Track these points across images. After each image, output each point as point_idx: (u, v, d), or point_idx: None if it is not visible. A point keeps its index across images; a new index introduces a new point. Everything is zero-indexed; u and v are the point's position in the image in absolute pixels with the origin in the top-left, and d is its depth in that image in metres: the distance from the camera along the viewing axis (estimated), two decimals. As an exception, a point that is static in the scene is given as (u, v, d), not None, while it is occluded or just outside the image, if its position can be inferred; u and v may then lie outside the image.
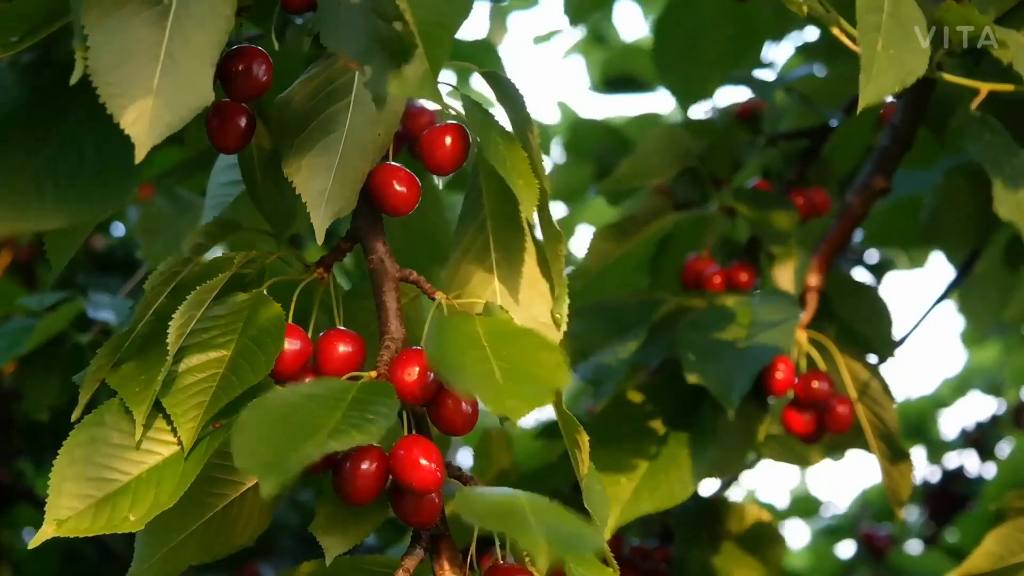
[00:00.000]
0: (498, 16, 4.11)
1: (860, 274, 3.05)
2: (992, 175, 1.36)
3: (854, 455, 1.92)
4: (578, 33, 3.60)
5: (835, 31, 1.31)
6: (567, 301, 1.10)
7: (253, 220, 1.20)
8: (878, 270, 3.15)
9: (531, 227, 1.14)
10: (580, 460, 1.01)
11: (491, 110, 1.10)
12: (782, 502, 4.47)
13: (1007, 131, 1.43)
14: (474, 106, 1.08)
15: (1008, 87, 1.42)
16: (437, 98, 0.96)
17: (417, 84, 0.95)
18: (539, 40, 4.15)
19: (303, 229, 1.19)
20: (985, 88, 1.40)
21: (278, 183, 1.07)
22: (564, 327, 1.10)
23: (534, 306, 1.13)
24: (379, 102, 0.95)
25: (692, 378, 1.61)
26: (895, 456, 1.76)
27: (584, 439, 1.02)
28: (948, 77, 1.30)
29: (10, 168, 0.99)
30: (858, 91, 2.08)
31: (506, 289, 1.13)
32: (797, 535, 4.57)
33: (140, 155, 0.88)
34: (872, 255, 3.13)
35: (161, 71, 0.89)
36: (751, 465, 2.52)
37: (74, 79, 0.88)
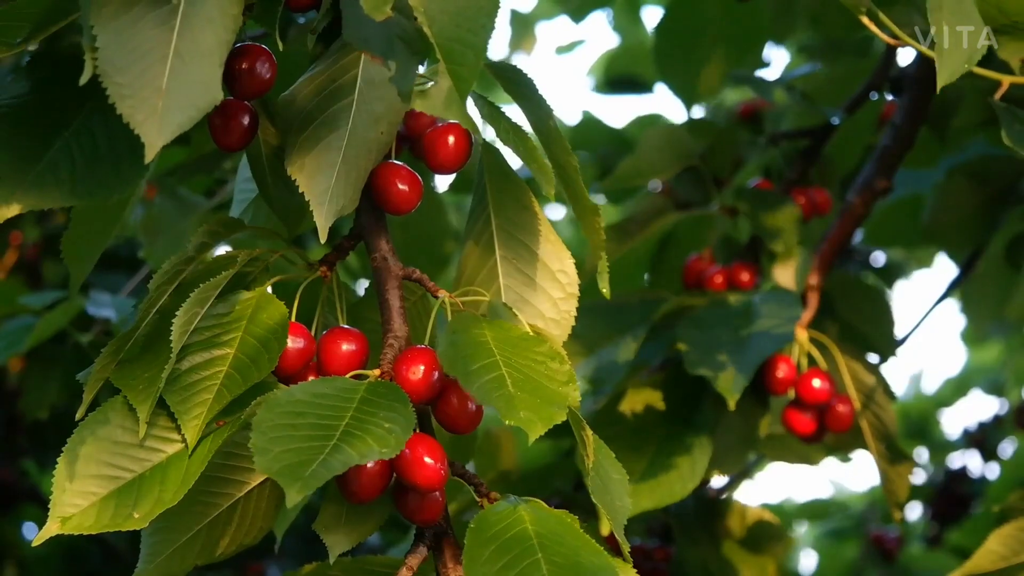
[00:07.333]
0: (525, 25, 4.07)
1: (869, 279, 3.02)
2: None
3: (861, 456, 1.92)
4: (602, 44, 3.58)
5: (865, 20, 1.30)
6: (607, 274, 1.11)
7: (271, 216, 1.21)
8: (887, 275, 3.12)
9: (544, 221, 1.13)
10: (587, 455, 1.01)
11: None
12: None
13: None
14: (479, 99, 1.08)
15: None
16: (466, 119, 0.95)
17: (442, 104, 0.95)
18: (561, 51, 4.12)
19: (307, 227, 1.19)
20: (1007, 80, 1.39)
21: (287, 181, 1.07)
22: (608, 293, 1.11)
23: (540, 303, 1.14)
24: (404, 97, 0.95)
25: (693, 370, 1.61)
26: (894, 457, 1.76)
27: (589, 434, 1.02)
28: (975, 69, 1.29)
29: (29, 151, 1.00)
30: (858, 90, 2.11)
31: (511, 286, 1.14)
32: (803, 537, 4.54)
33: (150, 155, 0.88)
34: (879, 258, 3.11)
35: (170, 71, 0.89)
36: (753, 465, 2.52)
37: (83, 80, 0.89)
